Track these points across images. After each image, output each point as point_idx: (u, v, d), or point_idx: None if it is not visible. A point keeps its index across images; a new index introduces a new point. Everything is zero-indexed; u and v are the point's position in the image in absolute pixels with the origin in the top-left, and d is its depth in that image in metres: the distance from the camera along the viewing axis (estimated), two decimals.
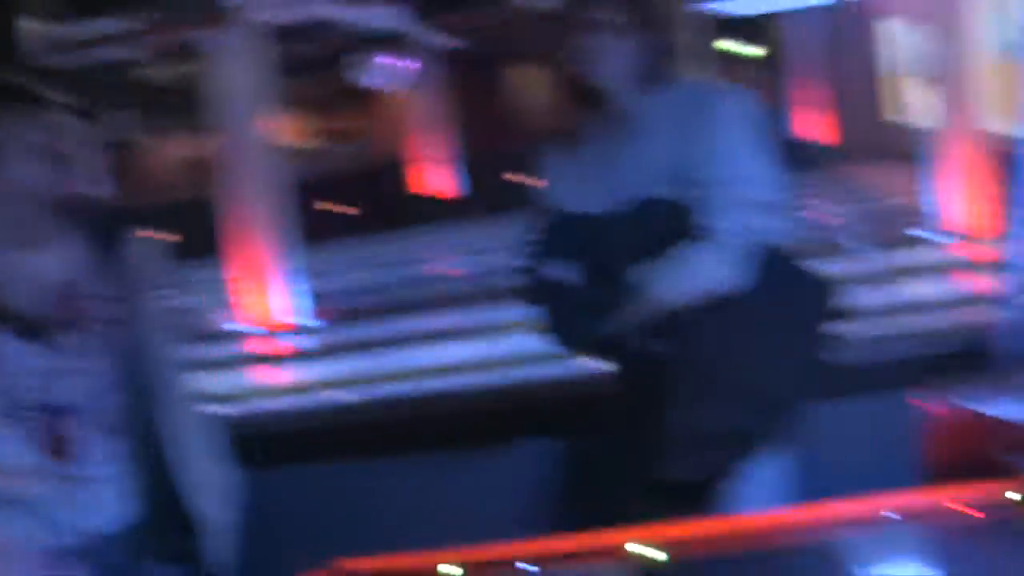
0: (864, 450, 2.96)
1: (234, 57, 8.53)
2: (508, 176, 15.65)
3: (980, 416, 2.10)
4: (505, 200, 15.34)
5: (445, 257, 11.64)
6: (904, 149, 12.38)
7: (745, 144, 2.48)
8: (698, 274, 2.38)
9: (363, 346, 7.16)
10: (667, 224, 2.40)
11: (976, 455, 2.06)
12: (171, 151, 17.54)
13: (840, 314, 2.52)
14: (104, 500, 2.51)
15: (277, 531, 2.90)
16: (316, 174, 15.14)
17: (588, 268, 2.40)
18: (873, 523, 1.95)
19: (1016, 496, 1.91)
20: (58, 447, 2.47)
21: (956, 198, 8.32)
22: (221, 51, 8.57)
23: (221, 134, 8.84)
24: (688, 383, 2.39)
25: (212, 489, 2.61)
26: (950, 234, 8.26)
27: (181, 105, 14.64)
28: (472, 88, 16.35)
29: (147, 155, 17.52)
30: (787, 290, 2.48)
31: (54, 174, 2.43)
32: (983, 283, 7.05)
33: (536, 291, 2.48)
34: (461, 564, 1.97)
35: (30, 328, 2.44)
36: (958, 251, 7.97)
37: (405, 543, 2.07)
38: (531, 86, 16.98)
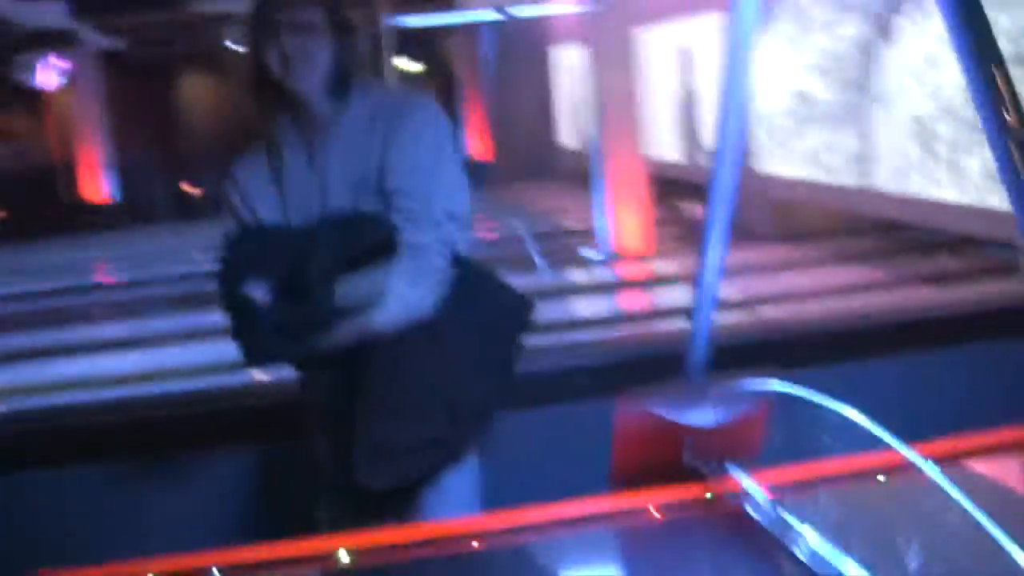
0: (555, 457, 3.03)
1: None
2: (179, 183, 15.29)
3: (668, 423, 2.13)
4: (172, 207, 14.88)
5: (108, 265, 11.19)
6: (574, 171, 12.94)
7: (442, 156, 2.47)
8: (398, 290, 2.35)
9: (21, 356, 6.87)
10: (365, 238, 2.36)
11: (665, 460, 2.11)
12: None
13: (530, 327, 2.56)
14: None
15: None
16: None
17: (282, 284, 2.31)
18: (564, 527, 1.98)
19: (704, 498, 1.98)
20: None
21: (620, 219, 8.76)
22: None
23: None
24: (382, 394, 2.38)
25: None
26: (615, 253, 8.68)
27: None
28: (137, 92, 15.77)
29: None
30: (482, 303, 2.49)
31: None
32: (654, 298, 7.47)
33: (228, 306, 2.32)
34: (160, 574, 1.89)
35: None
36: (623, 269, 8.39)
37: (104, 554, 1.97)
38: (204, 92, 16.59)
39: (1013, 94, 1.56)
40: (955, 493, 1.58)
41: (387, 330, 2.33)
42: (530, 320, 2.48)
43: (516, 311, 2.55)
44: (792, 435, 2.16)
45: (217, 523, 3.00)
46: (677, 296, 6.07)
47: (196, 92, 16.58)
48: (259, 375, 2.97)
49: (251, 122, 2.54)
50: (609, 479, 2.14)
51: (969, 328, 3.52)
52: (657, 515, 1.96)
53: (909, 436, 1.75)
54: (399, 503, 2.40)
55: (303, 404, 2.53)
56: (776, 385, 2.06)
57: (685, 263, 6.75)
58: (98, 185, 15.15)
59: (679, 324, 2.84)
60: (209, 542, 2.01)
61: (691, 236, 7.77)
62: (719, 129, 2.20)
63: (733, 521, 1.93)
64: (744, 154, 2.68)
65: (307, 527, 2.31)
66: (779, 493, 1.92)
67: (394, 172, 2.39)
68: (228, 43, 12.12)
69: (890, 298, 6.07)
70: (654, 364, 2.48)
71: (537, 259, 8.54)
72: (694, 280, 2.31)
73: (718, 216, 2.24)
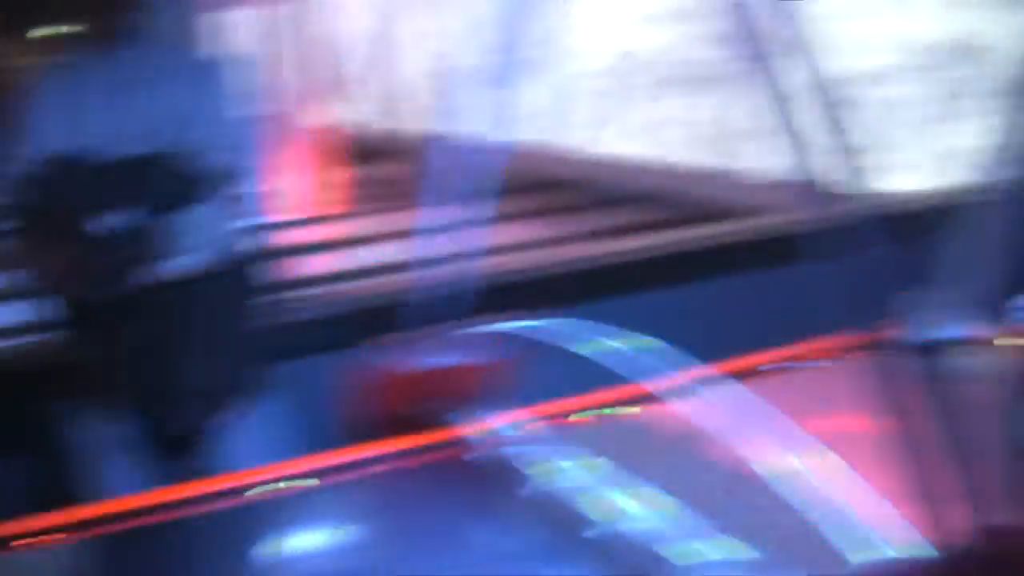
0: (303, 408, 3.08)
1: None
2: None
3: (401, 371, 2.21)
4: None
5: None
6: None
7: (234, 110, 2.55)
8: (205, 235, 2.44)
9: None
10: (174, 178, 2.42)
11: (403, 409, 2.18)
12: None
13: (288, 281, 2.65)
14: None
15: None
16: None
17: (86, 216, 2.36)
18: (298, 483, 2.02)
19: (441, 443, 2.06)
20: None
21: (303, 180, 8.77)
22: None
23: None
24: (177, 338, 2.44)
25: None
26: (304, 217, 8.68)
27: None
28: None
29: None
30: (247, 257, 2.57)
31: None
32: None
33: (54, 237, 2.39)
34: None
35: None
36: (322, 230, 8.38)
37: None
38: None
39: None
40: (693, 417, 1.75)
41: (187, 273, 2.42)
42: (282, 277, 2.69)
43: (251, 258, 2.63)
44: (545, 377, 2.22)
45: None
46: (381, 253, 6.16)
47: None
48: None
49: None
50: (349, 430, 2.20)
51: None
52: (397, 465, 2.02)
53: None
54: (192, 448, 2.48)
55: (80, 359, 2.52)
56: (508, 327, 2.16)
57: (383, 221, 6.82)
58: None
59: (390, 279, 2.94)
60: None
61: (390, 195, 7.85)
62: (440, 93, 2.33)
63: (471, 465, 1.98)
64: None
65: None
66: (520, 432, 2.00)
67: (198, 124, 2.47)
68: None
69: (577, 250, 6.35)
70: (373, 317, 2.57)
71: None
72: (415, 235, 2.42)
73: (442, 177, 2.35)
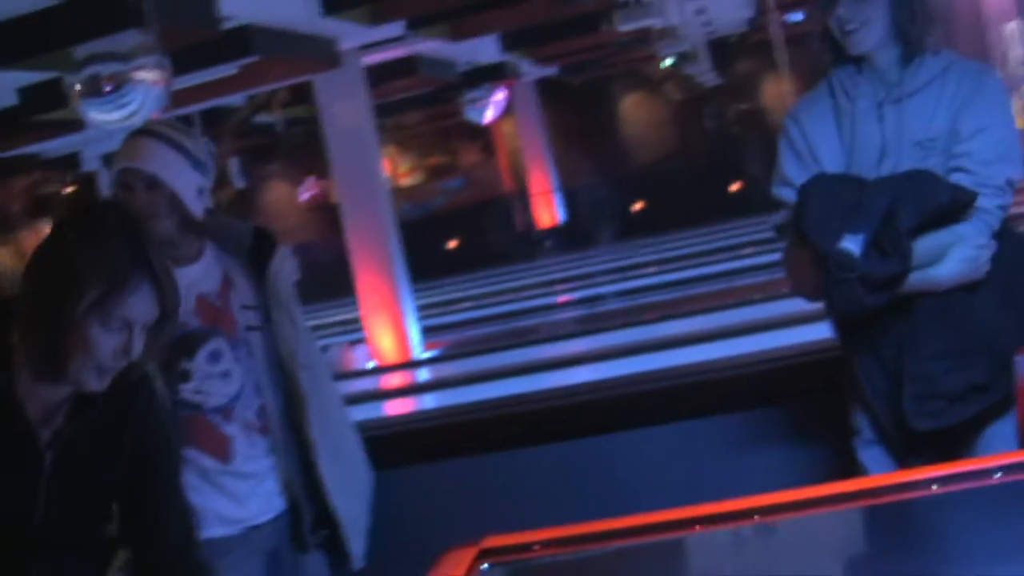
0: None
1: (343, 99, 8.43)
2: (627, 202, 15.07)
3: None
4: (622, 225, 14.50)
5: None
6: None
7: (1009, 124, 2.55)
8: (964, 251, 2.47)
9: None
10: (939, 197, 2.45)
11: None
12: (287, 194, 16.69)
13: None
14: (259, 493, 2.76)
15: (406, 523, 3.08)
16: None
17: (871, 238, 2.43)
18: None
19: None
20: (218, 446, 2.70)
21: None
22: (330, 93, 8.45)
23: (337, 175, 8.68)
24: (934, 341, 2.50)
25: (354, 485, 2.90)
26: None
27: (295, 148, 14.39)
28: (574, 116, 16.16)
29: (263, 199, 16.53)
30: (1007, 257, 2.55)
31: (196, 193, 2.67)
32: None
33: (817, 257, 2.46)
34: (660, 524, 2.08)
35: (182, 339, 2.62)
36: None
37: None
38: (637, 109, 16.74)
39: None
40: None
41: (947, 286, 2.46)
42: None
43: None
44: None
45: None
46: None
47: (631, 110, 16.91)
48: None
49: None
50: None
51: None
52: None
53: None
54: (943, 445, 2.53)
55: (844, 358, 2.66)
56: None
57: None
58: (546, 210, 15.57)
59: None
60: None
61: None
62: None
63: None
64: None
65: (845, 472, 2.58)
66: None
67: (966, 136, 2.49)
68: (655, 58, 12.19)
69: None
70: None
71: None
72: None
73: None
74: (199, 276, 2.72)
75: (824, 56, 2.64)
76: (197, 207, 2.68)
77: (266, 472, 2.77)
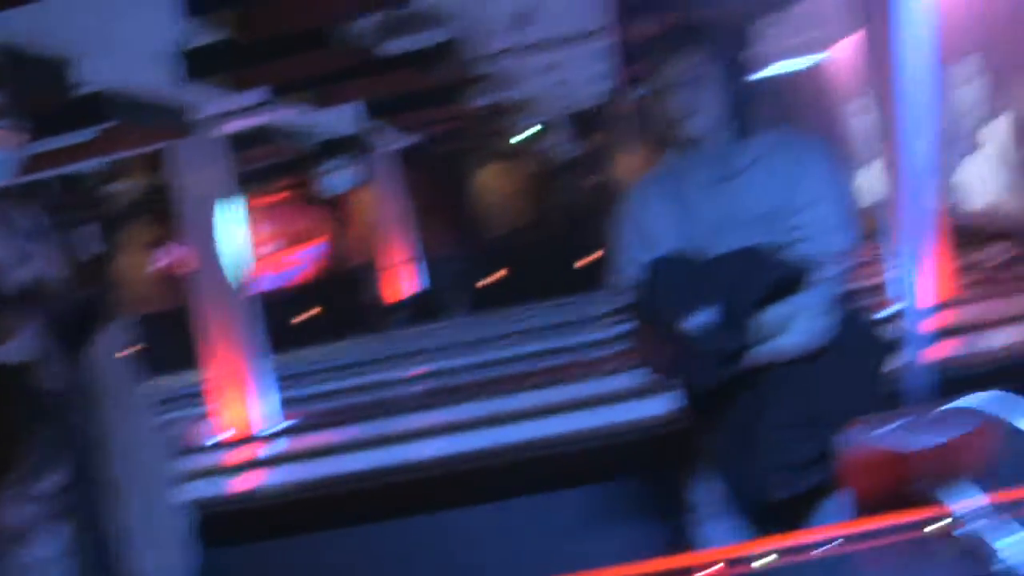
0: None
1: (199, 167, 8.24)
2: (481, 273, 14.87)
3: (892, 450, 2.24)
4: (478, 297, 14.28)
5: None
6: None
7: (843, 195, 2.61)
8: (807, 321, 2.51)
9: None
10: (778, 271, 2.50)
11: (895, 487, 2.21)
12: (140, 262, 16.02)
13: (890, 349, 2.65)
14: None
15: None
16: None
17: (715, 313, 2.48)
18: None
19: (934, 520, 2.07)
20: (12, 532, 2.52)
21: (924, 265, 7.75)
22: (186, 161, 8.24)
23: (189, 243, 8.42)
24: (784, 411, 2.54)
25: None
26: None
27: (147, 216, 14.05)
28: (434, 186, 16.00)
29: (116, 267, 15.75)
30: (850, 329, 2.60)
31: (14, 263, 2.53)
32: None
33: (664, 335, 2.51)
34: None
35: None
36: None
37: None
38: (496, 180, 16.62)
39: None
40: None
41: (791, 356, 2.52)
42: (890, 343, 2.64)
43: (876, 337, 2.72)
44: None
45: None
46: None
47: (490, 181, 16.73)
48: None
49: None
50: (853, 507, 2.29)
51: None
52: (896, 538, 2.06)
53: None
54: (794, 512, 2.55)
55: (690, 430, 2.70)
56: (995, 404, 2.16)
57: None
58: (402, 281, 15.23)
59: None
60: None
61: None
62: None
63: (951, 542, 2.02)
64: None
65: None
66: (1008, 512, 2.01)
67: (801, 209, 2.55)
68: (515, 130, 12.07)
69: None
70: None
71: None
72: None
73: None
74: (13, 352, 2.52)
75: (658, 138, 2.70)
76: (15, 279, 2.54)
77: (59, 560, 2.54)
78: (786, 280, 2.51)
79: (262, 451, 7.49)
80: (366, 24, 7.03)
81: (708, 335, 2.47)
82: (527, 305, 12.44)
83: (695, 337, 2.48)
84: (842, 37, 11.21)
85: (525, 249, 15.24)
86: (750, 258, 2.52)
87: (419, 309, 14.76)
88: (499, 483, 3.44)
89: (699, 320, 2.48)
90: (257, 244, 16.35)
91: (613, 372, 6.16)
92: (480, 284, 14.87)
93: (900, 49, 2.50)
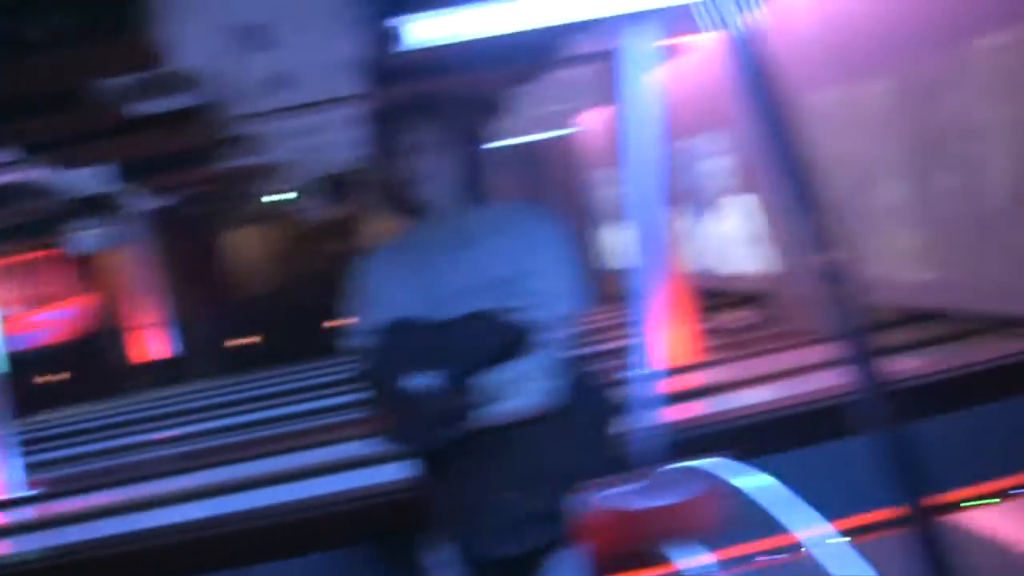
0: None
1: None
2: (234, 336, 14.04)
3: (622, 510, 2.34)
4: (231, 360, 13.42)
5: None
6: None
7: (567, 262, 2.72)
8: (535, 382, 2.60)
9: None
10: (506, 333, 2.58)
11: (629, 547, 2.34)
12: None
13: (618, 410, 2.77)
14: None
15: None
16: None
17: (441, 375, 2.54)
18: None
19: None
20: None
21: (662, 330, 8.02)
22: None
23: None
24: (514, 470, 2.61)
25: None
26: None
27: None
28: (188, 248, 15.46)
29: None
30: (582, 390, 2.70)
31: None
32: None
33: (390, 398, 2.56)
34: None
35: None
36: None
37: None
38: (252, 242, 16.21)
39: None
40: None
41: (514, 418, 2.59)
42: (620, 406, 2.75)
43: (605, 399, 2.79)
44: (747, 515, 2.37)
45: None
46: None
47: (243, 243, 16.42)
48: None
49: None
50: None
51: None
52: None
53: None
54: (525, 571, 2.62)
55: (425, 490, 2.74)
56: (721, 468, 2.34)
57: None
58: (152, 343, 14.64)
59: None
60: None
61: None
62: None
63: None
64: None
65: None
66: (733, 568, 2.27)
67: (530, 276, 2.64)
68: (268, 193, 11.57)
69: None
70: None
71: None
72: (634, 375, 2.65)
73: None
74: None
75: (395, 203, 2.76)
76: None
77: None
78: (513, 343, 2.60)
79: (11, 517, 7.22)
80: (118, 85, 7.00)
81: (431, 397, 2.54)
82: (277, 368, 12.43)
83: (418, 399, 2.54)
84: (593, 109, 11.80)
85: (276, 312, 15.21)
86: (477, 322, 2.60)
87: (169, 371, 14.56)
88: (243, 548, 3.48)
89: (422, 382, 2.54)
90: (3, 304, 15.75)
91: (359, 437, 6.29)
92: (231, 344, 14.71)
93: (630, 125, 2.72)
